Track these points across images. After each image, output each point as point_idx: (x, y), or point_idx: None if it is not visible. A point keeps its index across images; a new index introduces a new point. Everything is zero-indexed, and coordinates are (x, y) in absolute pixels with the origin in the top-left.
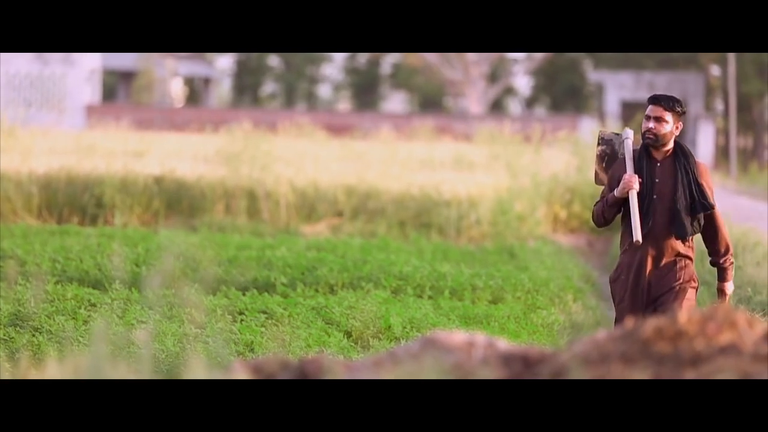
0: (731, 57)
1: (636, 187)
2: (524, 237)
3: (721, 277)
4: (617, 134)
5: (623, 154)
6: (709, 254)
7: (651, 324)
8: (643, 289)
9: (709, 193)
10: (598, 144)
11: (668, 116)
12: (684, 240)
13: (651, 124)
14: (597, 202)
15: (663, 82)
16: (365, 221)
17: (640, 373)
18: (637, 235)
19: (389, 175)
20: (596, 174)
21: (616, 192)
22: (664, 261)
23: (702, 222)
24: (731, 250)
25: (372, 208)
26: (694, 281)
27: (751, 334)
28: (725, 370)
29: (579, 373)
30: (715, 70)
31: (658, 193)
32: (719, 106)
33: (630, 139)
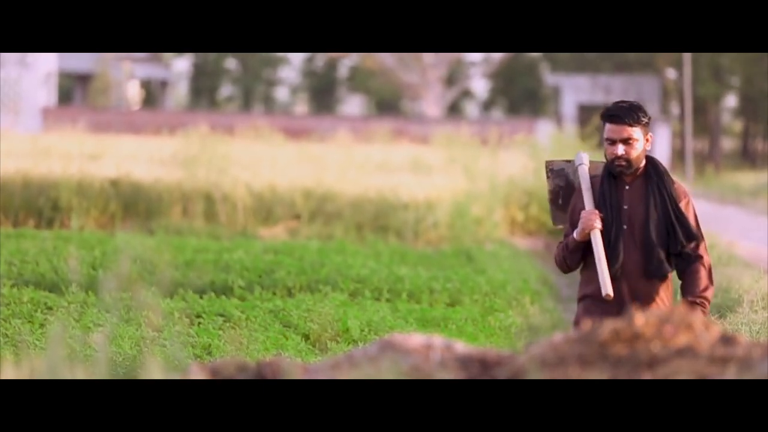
0: (687, 60)
1: (598, 225)
2: (481, 240)
3: None
4: (569, 161)
5: (580, 184)
6: (682, 292)
7: (608, 326)
8: None
9: (691, 221)
10: (548, 177)
11: (637, 132)
12: (661, 279)
13: (619, 150)
14: (559, 243)
15: (619, 85)
16: (322, 224)
17: (597, 375)
18: (606, 288)
19: (346, 178)
20: (552, 213)
21: (575, 234)
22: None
23: (684, 257)
24: (710, 295)
25: (329, 211)
26: None
27: (707, 337)
28: (682, 372)
29: (536, 375)
30: (670, 73)
31: (628, 222)
32: (675, 109)
33: (585, 165)
